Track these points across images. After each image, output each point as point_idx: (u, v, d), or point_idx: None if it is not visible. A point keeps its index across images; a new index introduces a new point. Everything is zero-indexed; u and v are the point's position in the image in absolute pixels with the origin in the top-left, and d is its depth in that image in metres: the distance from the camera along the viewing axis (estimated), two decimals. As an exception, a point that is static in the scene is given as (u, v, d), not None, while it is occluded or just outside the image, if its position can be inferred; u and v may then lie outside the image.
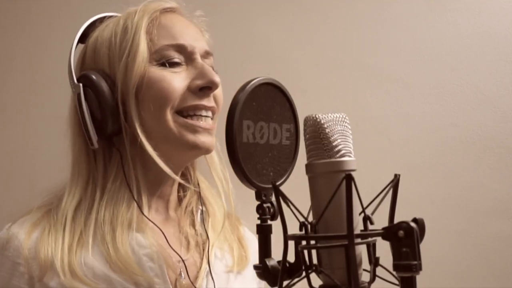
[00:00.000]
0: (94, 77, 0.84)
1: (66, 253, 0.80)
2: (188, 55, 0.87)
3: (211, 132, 0.87)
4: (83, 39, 0.92)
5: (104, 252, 0.80)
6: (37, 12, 1.28)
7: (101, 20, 0.93)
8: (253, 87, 0.63)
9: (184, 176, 0.96)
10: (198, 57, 0.88)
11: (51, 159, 1.22)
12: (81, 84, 0.85)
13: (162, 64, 0.85)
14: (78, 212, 0.84)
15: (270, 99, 0.65)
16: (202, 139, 0.86)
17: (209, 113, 0.87)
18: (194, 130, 0.85)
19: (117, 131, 0.86)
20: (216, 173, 0.96)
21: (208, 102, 0.86)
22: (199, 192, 0.96)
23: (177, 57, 0.86)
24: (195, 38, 0.89)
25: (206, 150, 0.87)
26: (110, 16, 0.94)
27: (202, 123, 0.86)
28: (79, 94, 0.85)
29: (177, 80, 0.85)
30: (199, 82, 0.85)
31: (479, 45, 1.19)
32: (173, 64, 0.86)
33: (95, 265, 0.80)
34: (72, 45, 0.90)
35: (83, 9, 1.27)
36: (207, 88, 0.86)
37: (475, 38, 1.20)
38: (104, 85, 0.84)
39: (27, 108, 1.26)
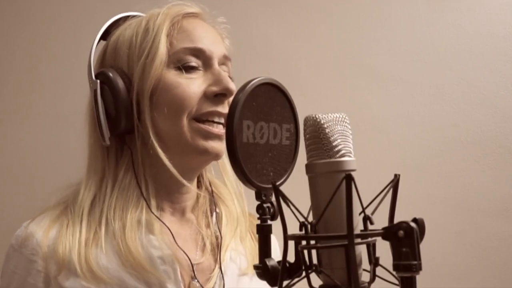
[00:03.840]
0: (111, 74, 0.85)
1: (83, 246, 0.81)
2: (205, 60, 0.88)
3: (222, 138, 0.87)
4: (105, 36, 0.94)
5: (116, 248, 0.81)
6: (37, 12, 1.28)
7: (124, 19, 0.94)
8: (253, 87, 0.63)
9: (197, 178, 0.96)
10: (215, 63, 0.89)
11: (52, 159, 1.22)
12: (98, 81, 0.86)
13: (179, 69, 0.86)
14: (93, 207, 0.85)
15: (270, 99, 0.65)
16: (213, 144, 0.86)
17: (222, 119, 0.88)
18: (206, 135, 0.86)
19: (129, 130, 0.87)
20: (229, 182, 0.98)
21: (222, 108, 0.87)
22: (212, 193, 0.96)
23: (194, 61, 0.87)
24: (214, 42, 0.90)
25: (215, 156, 0.88)
26: (134, 16, 0.94)
27: (215, 129, 0.86)
28: (95, 90, 0.86)
29: (192, 87, 0.85)
30: (214, 89, 0.86)
31: (479, 45, 1.19)
32: (189, 69, 0.87)
33: (108, 263, 0.81)
34: (94, 41, 0.91)
35: (85, 9, 1.27)
36: (222, 95, 0.87)
37: (475, 38, 1.20)
38: (120, 83, 0.85)
39: (28, 108, 1.26)
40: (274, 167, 0.65)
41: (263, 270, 0.61)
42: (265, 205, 0.64)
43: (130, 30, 0.89)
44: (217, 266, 0.88)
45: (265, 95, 0.65)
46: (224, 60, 0.92)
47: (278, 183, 0.65)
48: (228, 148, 0.61)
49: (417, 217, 0.54)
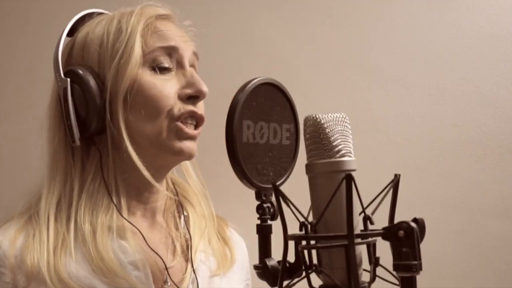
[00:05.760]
0: (83, 73, 0.83)
1: (52, 255, 0.79)
2: (178, 59, 0.88)
3: (195, 139, 0.88)
4: (70, 33, 0.92)
5: (86, 254, 0.80)
6: (37, 12, 1.28)
7: (90, 15, 0.92)
8: (253, 87, 0.63)
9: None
10: (186, 63, 0.89)
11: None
12: (68, 79, 0.84)
13: (153, 69, 0.85)
14: (59, 211, 0.83)
15: (270, 99, 0.65)
16: (188, 144, 0.86)
17: (194, 121, 0.88)
18: (182, 136, 0.85)
19: (99, 131, 0.85)
20: (193, 185, 0.98)
21: (198, 109, 0.87)
22: (177, 194, 0.96)
23: (166, 62, 0.87)
24: (184, 41, 0.90)
25: (189, 156, 0.88)
26: (100, 13, 0.93)
27: (189, 130, 0.86)
28: (65, 89, 0.84)
29: (167, 87, 0.85)
30: (188, 91, 0.86)
31: (479, 45, 1.19)
32: (163, 69, 0.86)
33: (78, 269, 0.79)
34: (60, 38, 0.89)
35: (85, 9, 1.27)
36: (195, 97, 0.86)
37: (475, 38, 1.20)
38: (93, 83, 0.83)
39: (28, 108, 1.26)
40: (274, 167, 0.65)
41: (263, 270, 0.61)
42: (265, 205, 0.64)
43: (100, 28, 0.88)
44: (189, 266, 0.87)
45: (265, 95, 0.65)
46: (193, 60, 0.92)
47: (278, 183, 0.65)
48: (228, 148, 0.61)
49: (417, 217, 0.54)
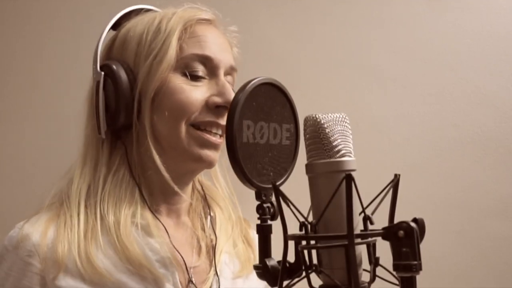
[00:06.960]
0: (116, 69, 0.85)
1: (83, 239, 0.80)
2: (212, 68, 0.88)
3: (217, 148, 0.88)
4: (115, 26, 0.93)
5: (113, 243, 0.81)
6: (37, 12, 1.28)
7: (137, 12, 0.93)
8: (253, 87, 0.63)
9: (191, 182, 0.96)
10: (221, 73, 0.88)
11: (52, 159, 1.22)
12: (102, 73, 0.85)
13: (185, 75, 0.86)
14: (89, 197, 0.85)
15: (270, 99, 0.65)
16: (208, 152, 0.86)
17: (220, 131, 0.88)
18: (203, 143, 0.86)
19: (126, 126, 0.87)
20: (221, 189, 0.99)
21: (222, 120, 0.87)
22: (205, 196, 0.96)
23: (200, 70, 0.87)
24: (223, 51, 0.90)
25: (209, 164, 0.88)
26: (148, 10, 0.94)
27: (212, 137, 0.86)
28: (98, 82, 0.85)
29: (196, 94, 0.85)
30: (217, 100, 0.86)
31: (479, 45, 1.19)
32: (195, 77, 0.86)
33: (106, 257, 0.80)
34: (104, 30, 0.90)
35: (85, 9, 1.27)
36: (223, 107, 0.86)
37: (476, 37, 1.20)
38: (124, 79, 0.85)
39: (28, 108, 1.26)
40: (274, 167, 0.65)
41: (263, 270, 0.61)
42: (265, 205, 0.64)
43: (141, 26, 0.88)
44: (213, 267, 0.88)
45: (265, 95, 0.65)
46: (230, 71, 0.91)
47: (278, 183, 0.65)
48: (228, 148, 0.61)
49: (417, 217, 0.54)
